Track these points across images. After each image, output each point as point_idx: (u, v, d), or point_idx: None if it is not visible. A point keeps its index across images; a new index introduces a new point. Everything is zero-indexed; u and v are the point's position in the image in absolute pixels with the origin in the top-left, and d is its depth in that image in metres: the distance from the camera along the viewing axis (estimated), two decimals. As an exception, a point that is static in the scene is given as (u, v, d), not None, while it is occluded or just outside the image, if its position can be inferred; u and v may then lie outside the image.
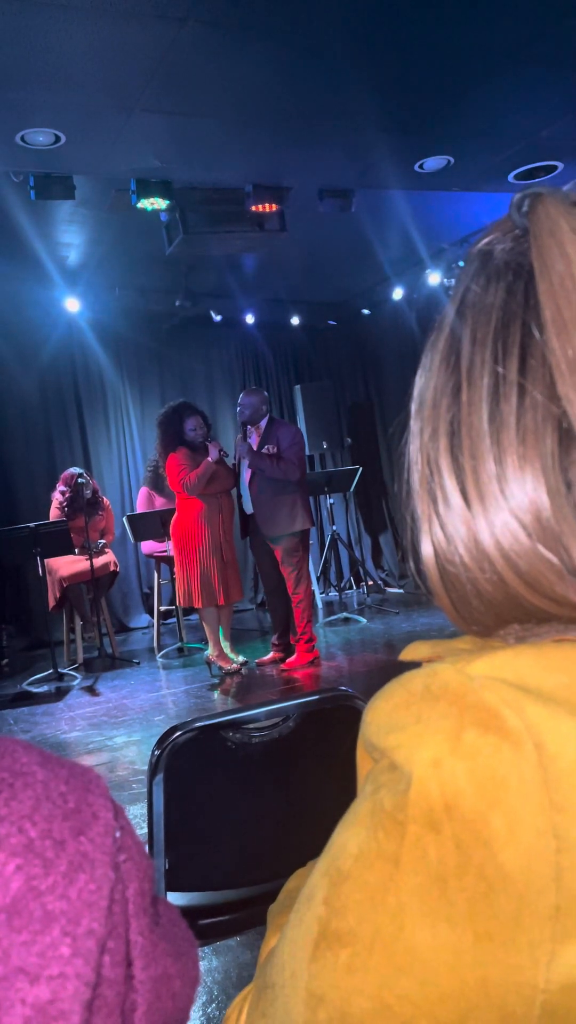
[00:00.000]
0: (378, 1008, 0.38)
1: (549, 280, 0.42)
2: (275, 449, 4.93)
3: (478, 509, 0.42)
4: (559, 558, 0.40)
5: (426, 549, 0.46)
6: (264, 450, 4.93)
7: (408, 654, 0.49)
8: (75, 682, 5.44)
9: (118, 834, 0.35)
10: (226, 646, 5.26)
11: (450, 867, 0.36)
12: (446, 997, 0.36)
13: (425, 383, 0.48)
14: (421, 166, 4.81)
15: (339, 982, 0.39)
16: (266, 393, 5.23)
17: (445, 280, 6.79)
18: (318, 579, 7.41)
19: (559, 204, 0.44)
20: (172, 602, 6.57)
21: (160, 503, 6.28)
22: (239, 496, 5.17)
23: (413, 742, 0.38)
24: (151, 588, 6.71)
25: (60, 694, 5.17)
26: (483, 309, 0.45)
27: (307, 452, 7.65)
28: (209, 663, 5.22)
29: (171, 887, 0.91)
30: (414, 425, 0.48)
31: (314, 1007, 0.40)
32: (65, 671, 5.60)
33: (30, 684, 5.45)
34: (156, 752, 0.88)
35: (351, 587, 7.97)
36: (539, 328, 0.42)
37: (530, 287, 0.43)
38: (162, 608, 6.46)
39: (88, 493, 5.81)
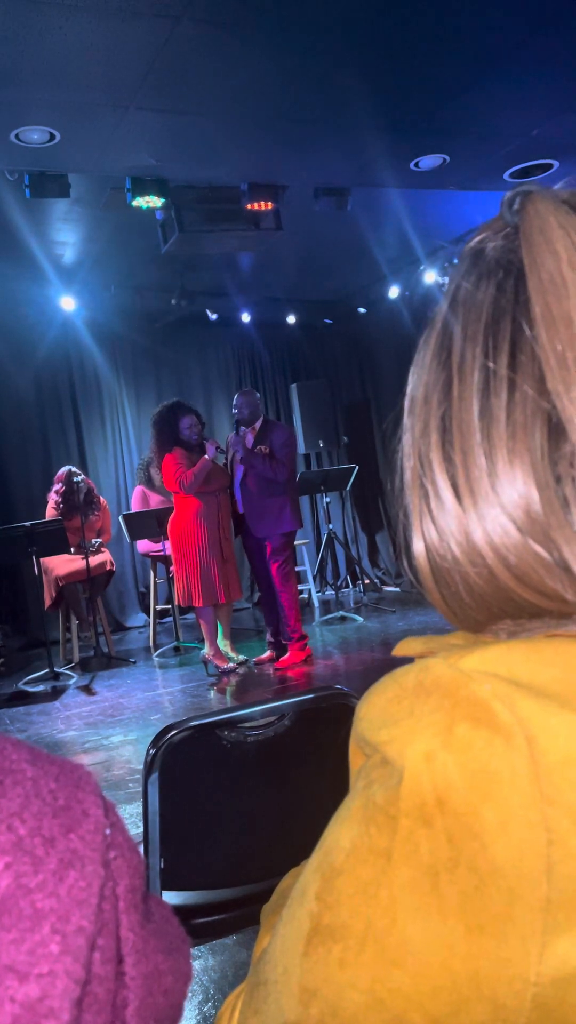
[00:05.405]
0: (370, 1002, 0.38)
1: (539, 277, 0.42)
2: (268, 450, 4.96)
3: (469, 504, 0.43)
4: (548, 552, 0.40)
5: (417, 544, 0.46)
6: (257, 449, 4.96)
7: (401, 649, 0.49)
8: (71, 681, 5.43)
9: (108, 831, 0.35)
10: (226, 645, 5.25)
11: (442, 861, 0.36)
12: (438, 990, 0.36)
13: (417, 379, 0.48)
14: (416, 164, 4.81)
15: (332, 976, 0.39)
16: (258, 395, 5.28)
17: (439, 278, 6.79)
18: (315, 578, 7.41)
19: (549, 202, 0.44)
20: (168, 601, 6.57)
21: (155, 501, 6.26)
22: (233, 496, 5.18)
23: (405, 736, 0.38)
24: (147, 587, 6.71)
25: (56, 693, 5.16)
26: (474, 305, 0.45)
27: (303, 451, 7.66)
28: (205, 662, 5.22)
29: (167, 886, 0.91)
30: (407, 421, 0.48)
31: (307, 1002, 0.40)
32: (61, 670, 5.59)
33: (26, 683, 5.45)
34: (151, 751, 0.88)
35: (347, 586, 7.98)
36: (529, 324, 0.42)
37: (520, 284, 0.44)
38: (158, 607, 6.45)
39: (84, 492, 5.81)
